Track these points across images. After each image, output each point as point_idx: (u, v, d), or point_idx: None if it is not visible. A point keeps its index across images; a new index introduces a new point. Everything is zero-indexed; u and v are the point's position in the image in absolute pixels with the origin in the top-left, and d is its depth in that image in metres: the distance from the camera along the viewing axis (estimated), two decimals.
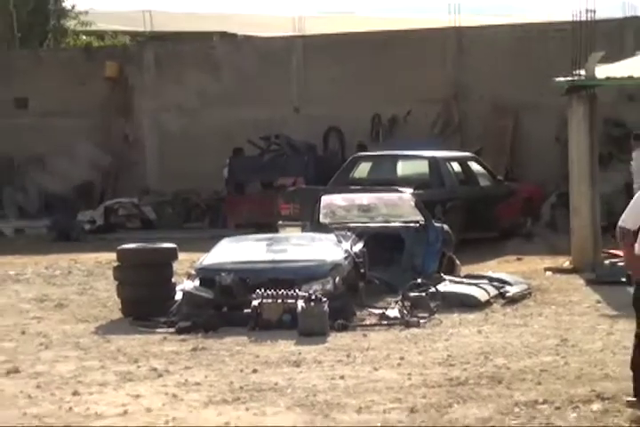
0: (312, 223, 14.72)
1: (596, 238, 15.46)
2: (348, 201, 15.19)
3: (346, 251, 12.68)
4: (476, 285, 13.04)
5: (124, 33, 32.26)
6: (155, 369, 9.41)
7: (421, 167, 19.09)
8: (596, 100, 15.66)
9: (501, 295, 12.88)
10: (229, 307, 11.66)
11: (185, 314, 11.62)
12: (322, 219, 14.71)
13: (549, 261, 16.15)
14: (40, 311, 12.93)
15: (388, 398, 8.21)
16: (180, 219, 23.56)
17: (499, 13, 48.93)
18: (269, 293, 11.43)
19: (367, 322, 11.54)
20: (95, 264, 17.30)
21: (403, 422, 7.56)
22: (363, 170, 19.46)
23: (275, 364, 9.55)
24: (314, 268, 12.11)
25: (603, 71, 15.33)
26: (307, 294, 11.28)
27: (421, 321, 11.41)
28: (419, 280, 12.59)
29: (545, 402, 7.94)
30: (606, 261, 14.72)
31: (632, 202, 7.83)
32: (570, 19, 15.94)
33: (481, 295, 12.65)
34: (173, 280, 12.60)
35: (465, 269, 14.77)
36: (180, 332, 11.16)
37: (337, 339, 10.67)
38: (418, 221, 14.38)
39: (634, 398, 7.73)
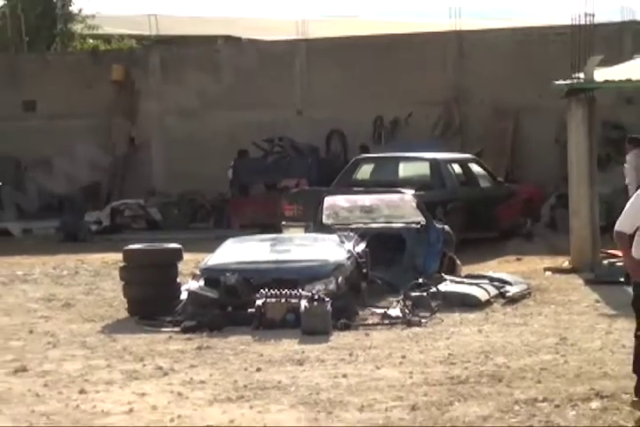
0: (315, 224, 14.75)
1: (594, 239, 15.51)
2: (350, 202, 15.22)
3: (348, 251, 12.72)
4: (476, 284, 13.08)
5: (131, 37, 32.29)
6: (160, 368, 9.45)
7: (423, 169, 19.14)
8: (595, 103, 15.72)
9: (501, 295, 12.92)
10: (234, 306, 11.68)
11: (190, 313, 11.63)
12: (325, 220, 14.75)
13: (549, 262, 16.18)
14: (47, 311, 12.97)
15: (390, 396, 8.24)
16: (185, 220, 23.61)
17: (499, 17, 48.90)
18: (273, 292, 11.47)
19: (369, 321, 11.55)
20: (102, 264, 17.34)
21: (404, 420, 7.59)
22: (365, 172, 19.49)
23: (278, 362, 9.57)
24: (317, 268, 12.15)
25: (601, 74, 15.39)
26: (310, 294, 11.31)
27: (423, 320, 11.43)
28: (420, 280, 12.64)
29: (544, 400, 7.98)
30: (605, 262, 14.77)
31: (627, 206, 7.84)
32: (570, 23, 16.03)
33: (481, 295, 12.69)
34: (179, 280, 12.64)
35: (465, 269, 14.80)
36: (185, 331, 11.18)
37: (340, 338, 10.68)
38: (419, 222, 14.41)
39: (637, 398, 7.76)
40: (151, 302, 11.95)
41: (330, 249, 12.78)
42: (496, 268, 15.79)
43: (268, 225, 17.62)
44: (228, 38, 31.78)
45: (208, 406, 8.11)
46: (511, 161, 23.19)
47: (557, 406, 7.84)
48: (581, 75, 15.29)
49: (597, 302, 12.70)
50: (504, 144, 23.20)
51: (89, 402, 8.26)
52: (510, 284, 13.34)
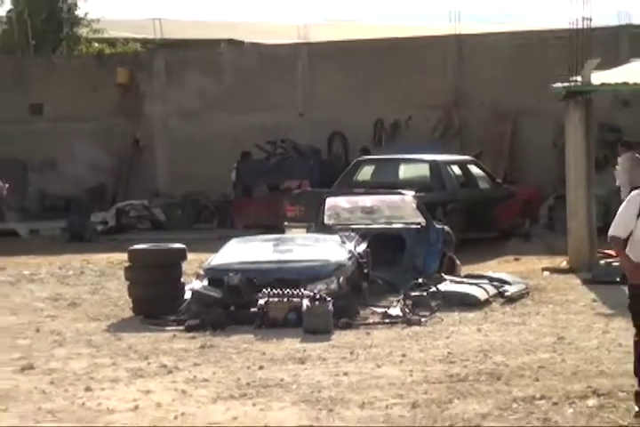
0: (317, 225, 14.81)
1: (592, 239, 15.55)
2: (351, 203, 15.27)
3: (349, 251, 12.78)
4: (475, 284, 13.13)
5: (135, 40, 32.28)
6: (164, 366, 9.50)
7: (423, 170, 19.20)
8: (592, 106, 15.77)
9: (500, 295, 12.97)
10: (237, 306, 11.75)
11: (194, 312, 11.71)
12: (326, 220, 14.81)
13: (547, 262, 16.24)
14: (54, 310, 13.03)
15: (391, 393, 8.29)
16: (189, 220, 23.67)
17: (499, 21, 48.87)
18: (275, 292, 11.52)
19: (370, 320, 11.61)
20: (107, 264, 17.41)
21: (404, 418, 7.64)
22: (366, 173, 19.54)
23: (280, 361, 9.62)
24: (318, 268, 12.20)
25: (598, 77, 15.45)
26: (311, 294, 11.36)
27: (423, 319, 11.48)
28: (420, 280, 12.67)
29: (542, 398, 8.02)
30: (602, 262, 14.81)
31: (620, 211, 7.79)
32: (568, 27, 16.09)
33: (480, 295, 12.74)
34: (182, 280, 12.68)
35: (465, 269, 14.85)
36: (188, 330, 11.25)
37: (341, 337, 10.73)
38: (419, 223, 14.46)
39: None
40: (156, 301, 12.01)
41: (331, 249, 12.83)
42: (495, 268, 15.84)
43: (271, 226, 17.71)
44: (231, 42, 31.73)
45: (211, 404, 8.14)
46: (510, 163, 23.23)
47: (555, 403, 7.88)
48: (579, 78, 15.34)
49: (594, 301, 12.75)
50: (503, 146, 23.24)
51: (94, 399, 8.31)
52: (509, 284, 13.39)
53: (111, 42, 31.76)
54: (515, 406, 7.86)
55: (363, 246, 13.24)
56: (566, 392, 8.17)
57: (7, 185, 17.92)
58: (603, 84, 15.45)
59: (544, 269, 15.57)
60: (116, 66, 26.14)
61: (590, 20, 15.87)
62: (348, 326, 11.21)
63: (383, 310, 11.96)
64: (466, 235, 17.18)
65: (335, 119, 24.10)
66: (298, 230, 15.00)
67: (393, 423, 7.54)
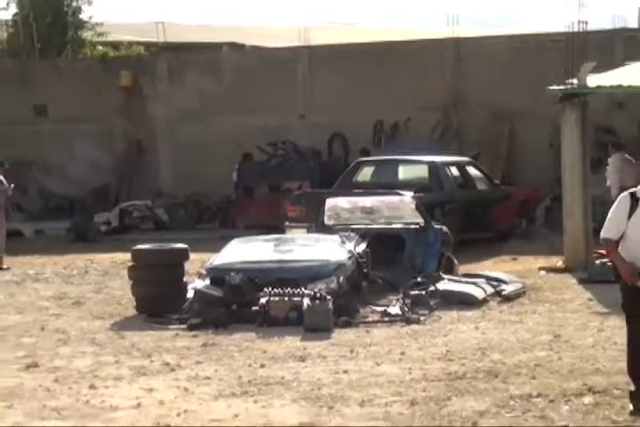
0: (317, 225, 14.87)
1: (587, 239, 15.61)
2: (351, 204, 15.32)
3: (349, 251, 12.84)
4: (473, 283, 13.20)
5: (139, 43, 32.30)
6: (167, 364, 9.54)
7: (421, 171, 19.26)
8: (588, 108, 15.87)
9: (498, 293, 13.03)
10: (238, 305, 11.78)
11: (196, 311, 11.74)
12: (326, 221, 14.88)
13: (543, 261, 16.32)
14: (58, 309, 13.08)
15: (390, 391, 8.32)
16: (191, 220, 23.76)
17: (497, 25, 48.78)
18: (276, 291, 11.58)
19: (370, 319, 11.66)
20: (110, 264, 17.49)
21: (403, 415, 7.67)
22: (365, 174, 19.59)
23: (281, 359, 9.66)
24: (319, 267, 12.26)
25: (594, 80, 15.52)
26: (312, 293, 11.40)
27: (421, 318, 11.52)
28: (419, 279, 12.67)
29: (539, 395, 8.05)
30: (597, 261, 14.87)
31: (611, 213, 7.77)
32: (564, 30, 16.21)
33: (478, 293, 12.81)
34: (185, 279, 12.74)
35: (463, 269, 14.90)
36: (191, 328, 11.28)
37: (341, 335, 10.78)
38: (418, 223, 14.51)
39: None
40: (158, 300, 12.05)
41: (331, 249, 12.88)
42: (492, 267, 15.89)
43: (272, 226, 17.72)
44: (232, 45, 31.72)
45: (213, 401, 8.17)
46: (507, 164, 23.30)
47: (551, 401, 7.92)
48: (575, 80, 15.43)
49: (590, 300, 12.81)
50: (500, 148, 23.31)
51: (98, 397, 8.35)
52: (506, 283, 13.45)
53: (115, 45, 31.79)
54: (512, 403, 7.89)
55: (362, 246, 13.29)
56: (562, 390, 8.22)
57: (12, 185, 18.03)
58: (598, 87, 15.51)
59: (540, 269, 15.66)
60: (119, 69, 26.25)
61: (586, 23, 15.98)
62: (347, 325, 11.26)
63: (383, 308, 12.03)
64: (463, 235, 17.22)
65: (335, 121, 24.18)
66: (298, 231, 14.99)
67: (392, 421, 7.56)
